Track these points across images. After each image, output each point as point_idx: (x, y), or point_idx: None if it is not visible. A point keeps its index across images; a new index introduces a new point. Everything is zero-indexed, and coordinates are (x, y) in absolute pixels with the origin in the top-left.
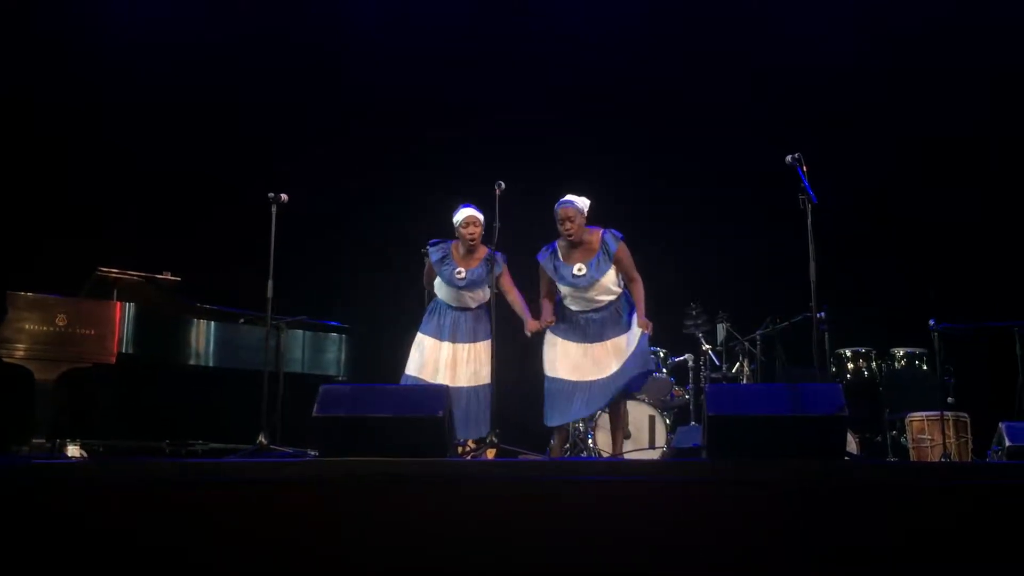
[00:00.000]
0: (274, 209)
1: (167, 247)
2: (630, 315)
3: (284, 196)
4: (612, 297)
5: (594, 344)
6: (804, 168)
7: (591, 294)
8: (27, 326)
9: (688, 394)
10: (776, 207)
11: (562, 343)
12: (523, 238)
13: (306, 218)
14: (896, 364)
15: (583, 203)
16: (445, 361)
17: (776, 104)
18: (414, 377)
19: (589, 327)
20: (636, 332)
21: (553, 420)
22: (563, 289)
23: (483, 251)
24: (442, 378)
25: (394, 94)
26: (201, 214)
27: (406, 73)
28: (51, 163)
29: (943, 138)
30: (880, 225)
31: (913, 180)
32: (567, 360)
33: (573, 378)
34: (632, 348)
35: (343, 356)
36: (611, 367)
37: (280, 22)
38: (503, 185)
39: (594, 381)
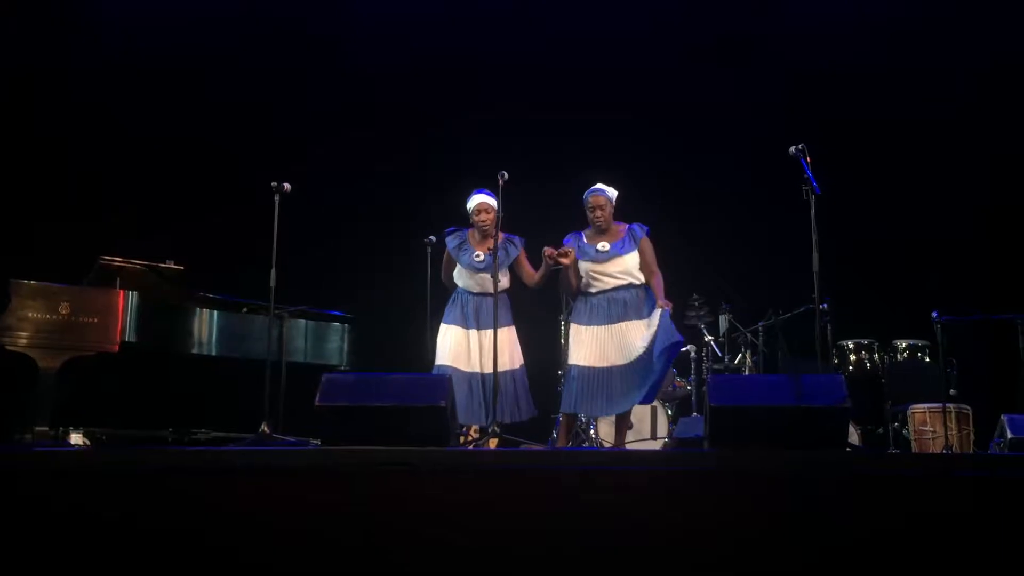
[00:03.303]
0: (277, 199)
1: (170, 236)
2: (651, 306)
3: (287, 185)
4: (634, 281)
5: (617, 324)
6: (807, 159)
7: (612, 269)
8: (30, 314)
9: (690, 385)
10: (779, 198)
11: (586, 329)
12: (527, 233)
13: (309, 208)
14: (899, 356)
15: (612, 193)
16: (475, 348)
17: (779, 97)
18: (448, 366)
19: (612, 308)
20: (657, 312)
21: (572, 407)
22: (584, 267)
23: (499, 236)
24: (475, 365)
25: (396, 90)
26: (204, 204)
27: (406, 70)
28: (52, 152)
29: (946, 131)
30: (883, 217)
31: (917, 171)
32: (592, 346)
33: (599, 364)
34: (654, 327)
35: (346, 345)
36: (637, 349)
37: (282, 14)
38: (506, 175)
39: (623, 366)
